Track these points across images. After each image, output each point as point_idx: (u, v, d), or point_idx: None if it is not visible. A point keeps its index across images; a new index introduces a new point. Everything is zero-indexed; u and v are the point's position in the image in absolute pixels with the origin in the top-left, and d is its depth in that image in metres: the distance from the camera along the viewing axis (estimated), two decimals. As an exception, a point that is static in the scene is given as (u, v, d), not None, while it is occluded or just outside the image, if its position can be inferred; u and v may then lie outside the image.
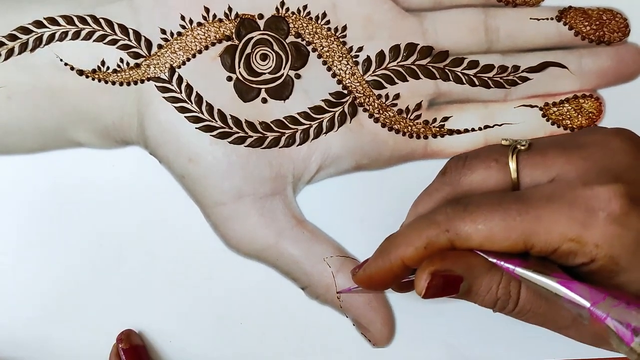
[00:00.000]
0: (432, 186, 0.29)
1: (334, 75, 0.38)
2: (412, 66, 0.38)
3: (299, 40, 0.38)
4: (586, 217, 0.24)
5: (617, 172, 0.25)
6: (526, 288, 0.26)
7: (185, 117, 0.38)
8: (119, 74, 0.38)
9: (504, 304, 0.27)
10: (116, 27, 0.38)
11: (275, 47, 0.38)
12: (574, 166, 0.25)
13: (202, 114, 0.38)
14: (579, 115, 0.39)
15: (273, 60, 0.38)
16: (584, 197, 0.24)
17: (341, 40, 0.38)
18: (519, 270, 0.25)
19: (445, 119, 0.39)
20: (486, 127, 0.39)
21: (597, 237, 0.24)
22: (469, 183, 0.27)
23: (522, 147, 0.27)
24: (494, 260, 0.25)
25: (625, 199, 0.24)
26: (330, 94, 0.38)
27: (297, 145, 0.38)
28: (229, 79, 0.38)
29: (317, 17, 0.38)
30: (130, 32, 0.38)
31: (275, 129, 0.38)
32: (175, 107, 0.38)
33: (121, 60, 0.38)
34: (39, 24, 0.38)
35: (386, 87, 0.38)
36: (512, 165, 0.26)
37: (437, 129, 0.39)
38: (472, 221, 0.25)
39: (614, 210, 0.24)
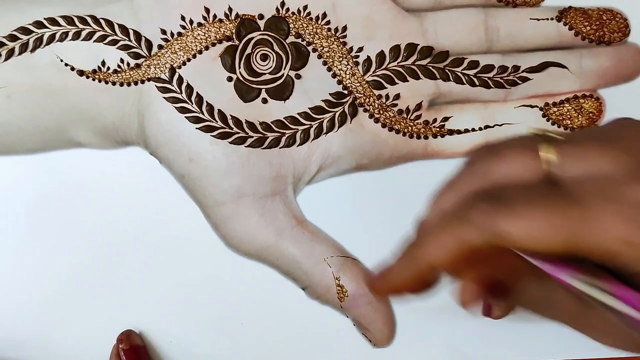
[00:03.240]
0: (456, 177, 0.27)
1: (334, 75, 0.38)
2: (412, 66, 0.38)
3: (299, 40, 0.38)
4: (637, 215, 0.22)
5: None
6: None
7: (185, 117, 0.38)
8: (119, 74, 0.38)
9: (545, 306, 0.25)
10: (116, 27, 0.38)
11: (276, 48, 0.38)
12: (616, 159, 0.23)
13: (203, 114, 0.38)
14: (579, 116, 0.39)
15: (273, 60, 0.38)
16: (634, 194, 0.22)
17: (341, 40, 0.38)
18: (566, 277, 0.23)
19: (446, 119, 0.39)
20: (486, 127, 0.39)
21: None
22: (500, 174, 0.25)
23: (558, 138, 0.25)
24: (538, 264, 0.23)
25: None
26: (330, 94, 0.38)
27: (298, 146, 0.38)
28: (230, 79, 0.38)
29: (317, 18, 0.38)
30: (131, 32, 0.38)
31: (276, 129, 0.38)
32: (175, 107, 0.38)
33: (121, 60, 0.38)
34: (39, 24, 0.38)
35: (386, 87, 0.38)
36: (549, 156, 0.24)
37: (438, 129, 0.39)
38: (514, 218, 0.22)
39: None
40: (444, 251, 0.24)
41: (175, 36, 0.38)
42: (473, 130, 0.39)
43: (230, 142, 0.38)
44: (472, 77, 0.38)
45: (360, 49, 0.38)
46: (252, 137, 0.38)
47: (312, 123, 0.38)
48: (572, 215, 0.22)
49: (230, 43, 0.38)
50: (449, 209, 0.25)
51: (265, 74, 0.38)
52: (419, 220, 0.27)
